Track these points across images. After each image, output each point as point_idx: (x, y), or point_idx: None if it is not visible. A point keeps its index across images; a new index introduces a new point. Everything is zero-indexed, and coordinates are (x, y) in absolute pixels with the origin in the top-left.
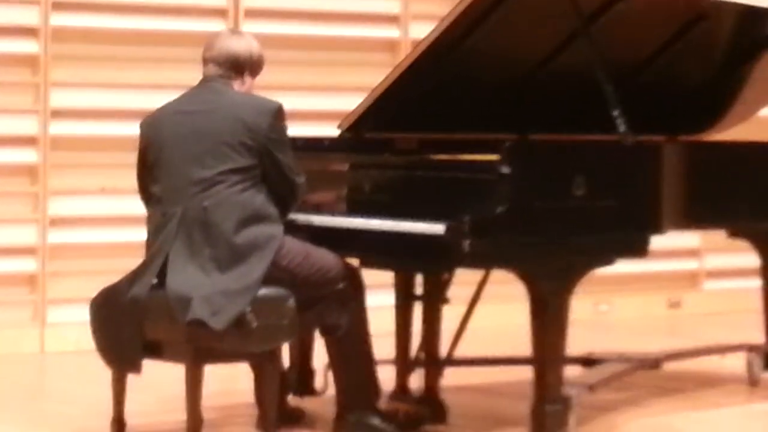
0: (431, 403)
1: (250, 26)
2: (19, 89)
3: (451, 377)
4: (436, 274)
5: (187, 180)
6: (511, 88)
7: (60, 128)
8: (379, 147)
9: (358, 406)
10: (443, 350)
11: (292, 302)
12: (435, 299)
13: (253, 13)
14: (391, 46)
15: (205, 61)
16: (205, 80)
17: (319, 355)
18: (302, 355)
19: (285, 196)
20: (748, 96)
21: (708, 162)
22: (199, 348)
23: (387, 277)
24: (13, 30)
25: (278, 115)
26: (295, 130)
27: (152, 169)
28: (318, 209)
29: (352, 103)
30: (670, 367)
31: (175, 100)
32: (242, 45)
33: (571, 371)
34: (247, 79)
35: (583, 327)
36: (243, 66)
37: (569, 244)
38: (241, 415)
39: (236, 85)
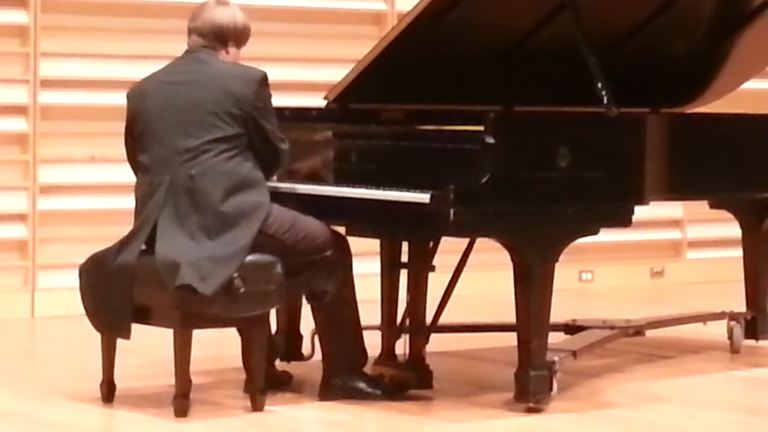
0: (417, 369)
1: None
2: (9, 59)
3: (436, 343)
4: (422, 242)
5: (174, 149)
6: (497, 60)
7: (49, 97)
8: (366, 118)
9: (344, 370)
10: (429, 317)
11: (279, 268)
12: (421, 267)
13: None
14: (377, 18)
15: (190, 32)
16: (190, 50)
17: (306, 320)
18: (289, 321)
19: (269, 163)
20: (732, 69)
21: (691, 134)
22: (187, 313)
23: (373, 244)
24: (3, 0)
25: (263, 83)
26: (282, 101)
27: (139, 138)
28: (305, 178)
29: (338, 74)
30: (652, 334)
31: (160, 71)
32: (226, 15)
33: (555, 338)
34: (232, 49)
35: (567, 295)
36: (227, 36)
37: (553, 214)
38: (229, 379)
39: (221, 56)
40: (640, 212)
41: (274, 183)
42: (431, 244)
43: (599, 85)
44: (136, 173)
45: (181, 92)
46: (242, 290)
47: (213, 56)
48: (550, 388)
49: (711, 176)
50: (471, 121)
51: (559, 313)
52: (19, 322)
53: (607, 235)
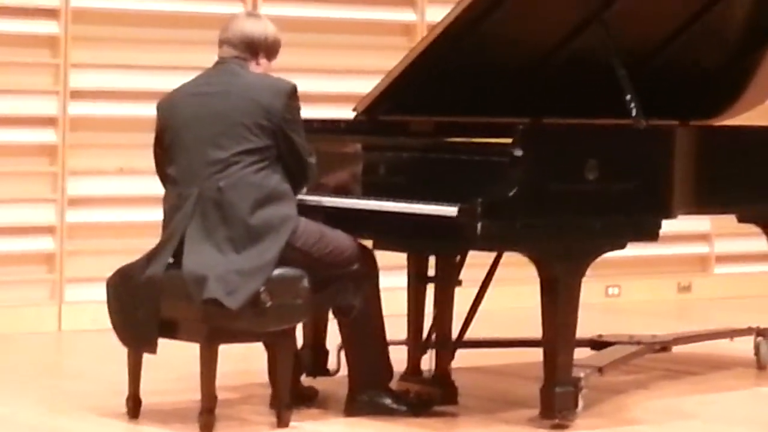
0: (442, 384)
1: (267, 9)
2: (39, 70)
3: (462, 359)
4: (449, 256)
5: (203, 161)
6: (526, 72)
7: (79, 109)
8: (394, 130)
9: (370, 386)
10: (455, 332)
11: (306, 282)
12: (447, 281)
13: None
14: (407, 29)
15: (221, 43)
16: (221, 62)
17: (333, 335)
18: (316, 336)
19: (297, 176)
20: (761, 81)
21: (719, 147)
22: (214, 327)
23: (400, 258)
24: (34, 11)
25: (293, 95)
26: (310, 112)
27: (168, 150)
28: (333, 191)
29: (367, 86)
30: (679, 350)
31: (190, 82)
32: (258, 27)
33: (581, 353)
34: (263, 61)
35: (594, 310)
36: (258, 48)
37: (580, 228)
38: (255, 394)
39: (251, 67)
40: (667, 226)
41: (302, 195)
42: (458, 258)
43: (628, 97)
44: (164, 185)
45: (210, 103)
46: (269, 304)
47: (243, 67)
48: (576, 405)
49: (739, 189)
50: (500, 133)
51: (585, 328)
52: (46, 336)
53: (634, 250)
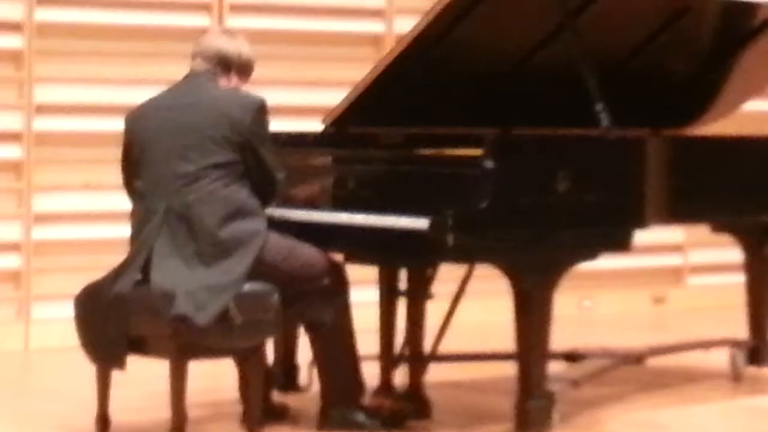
0: (415, 399)
1: (234, 21)
2: (3, 85)
3: (435, 373)
4: (420, 269)
5: (171, 175)
6: (496, 81)
7: (44, 124)
8: (363, 142)
9: (342, 401)
10: (427, 346)
11: (276, 298)
12: (419, 295)
13: (238, 8)
14: (375, 40)
15: (194, 56)
16: (191, 75)
17: (304, 350)
18: (286, 351)
19: (265, 192)
20: (732, 90)
21: (691, 156)
22: (183, 344)
23: (371, 272)
24: None
25: (261, 110)
26: (278, 125)
27: (136, 164)
28: (302, 205)
29: (336, 98)
30: (653, 362)
31: (159, 95)
32: (232, 44)
33: (555, 367)
34: (234, 79)
35: (567, 322)
36: (230, 64)
37: (553, 239)
38: (225, 411)
39: (221, 82)
40: (640, 237)
41: (271, 209)
42: (429, 271)
43: (598, 107)
44: (132, 199)
45: (178, 117)
46: (239, 320)
47: (213, 81)
48: (551, 418)
49: (712, 199)
50: (470, 143)
51: (559, 340)
52: (13, 355)
53: (607, 261)
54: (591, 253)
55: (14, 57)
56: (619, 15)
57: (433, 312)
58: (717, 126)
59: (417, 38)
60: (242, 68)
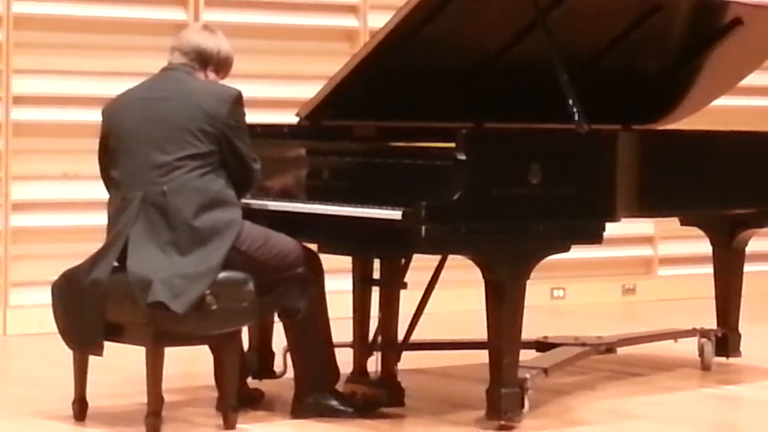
0: (389, 386)
1: (210, 15)
2: None
3: (408, 361)
4: (394, 259)
5: (147, 165)
6: (469, 76)
7: (22, 114)
8: (338, 134)
9: (316, 388)
10: (401, 334)
11: (251, 286)
12: (392, 284)
13: (214, 2)
14: (349, 35)
15: (173, 49)
16: (168, 68)
17: (279, 337)
18: (262, 338)
19: (241, 182)
20: (702, 86)
21: (662, 151)
22: (159, 330)
23: (345, 262)
24: None
25: (237, 101)
26: (254, 117)
27: (113, 154)
28: (277, 195)
29: (310, 91)
30: (624, 351)
31: (136, 87)
32: (211, 40)
33: (527, 355)
34: (211, 74)
35: (539, 312)
36: (208, 60)
37: (524, 231)
38: (201, 397)
39: (199, 77)
40: (611, 229)
41: (247, 200)
42: (403, 261)
43: (570, 102)
44: (108, 189)
45: (155, 108)
46: (214, 308)
47: (190, 74)
48: (522, 406)
49: (682, 193)
50: (443, 137)
51: (530, 330)
52: None
53: (578, 252)
54: (563, 245)
55: None
56: (590, 12)
57: (407, 301)
58: (687, 122)
59: (391, 33)
60: (220, 65)
